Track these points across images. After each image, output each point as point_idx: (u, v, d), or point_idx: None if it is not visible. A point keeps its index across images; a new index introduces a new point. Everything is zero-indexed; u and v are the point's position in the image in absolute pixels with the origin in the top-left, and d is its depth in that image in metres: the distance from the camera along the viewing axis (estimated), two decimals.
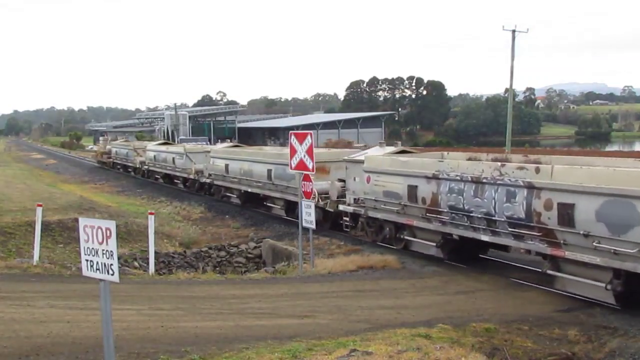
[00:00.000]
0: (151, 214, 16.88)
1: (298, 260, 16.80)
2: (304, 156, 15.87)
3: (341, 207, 20.66)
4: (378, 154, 19.76)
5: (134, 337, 9.63)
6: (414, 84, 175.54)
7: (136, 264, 18.52)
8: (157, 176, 45.89)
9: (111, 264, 6.63)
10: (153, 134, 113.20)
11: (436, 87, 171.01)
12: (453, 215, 15.24)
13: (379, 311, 11.99)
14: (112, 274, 6.66)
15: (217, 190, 33.51)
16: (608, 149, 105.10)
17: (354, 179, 20.03)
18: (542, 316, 11.63)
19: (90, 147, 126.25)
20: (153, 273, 16.40)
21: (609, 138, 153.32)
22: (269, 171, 26.03)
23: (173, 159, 40.69)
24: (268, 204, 27.96)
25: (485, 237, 14.57)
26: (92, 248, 6.74)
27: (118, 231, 7.25)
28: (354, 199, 19.98)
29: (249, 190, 28.52)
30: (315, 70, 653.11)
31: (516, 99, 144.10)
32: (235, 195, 30.92)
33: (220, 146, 36.49)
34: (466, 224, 14.96)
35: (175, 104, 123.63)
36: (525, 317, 11.47)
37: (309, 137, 15.95)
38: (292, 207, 24.52)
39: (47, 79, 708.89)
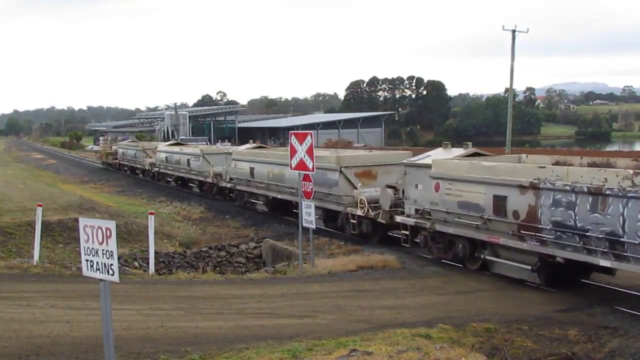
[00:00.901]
0: (151, 214, 16.88)
1: (298, 260, 16.81)
2: (304, 156, 15.87)
3: (399, 219, 17.75)
4: (446, 157, 17.06)
5: (134, 337, 9.63)
6: (414, 84, 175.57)
7: (136, 264, 18.51)
8: (169, 179, 43.33)
9: (111, 264, 6.63)
10: (153, 134, 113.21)
11: (436, 87, 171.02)
12: (558, 233, 12.67)
13: (379, 311, 11.99)
14: (112, 274, 6.66)
15: (239, 196, 30.41)
16: (608, 149, 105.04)
17: (416, 186, 16.97)
18: (542, 316, 11.63)
19: (90, 147, 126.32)
20: (153, 273, 16.39)
21: (609, 138, 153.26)
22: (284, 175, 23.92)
23: (188, 160, 37.70)
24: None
25: (605, 262, 11.96)
26: (92, 248, 6.74)
27: (118, 231, 7.25)
28: (416, 209, 16.98)
29: (279, 197, 25.42)
30: (315, 70, 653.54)
31: (516, 99, 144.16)
32: (261, 202, 28.25)
33: (243, 147, 32.55)
34: (577, 244, 12.37)
35: (175, 104, 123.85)
36: (525, 317, 11.47)
37: (309, 137, 15.96)
38: (332, 217, 22.25)
39: (47, 79, 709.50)
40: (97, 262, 6.73)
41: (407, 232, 17.49)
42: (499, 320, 11.17)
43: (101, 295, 6.82)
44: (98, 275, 6.77)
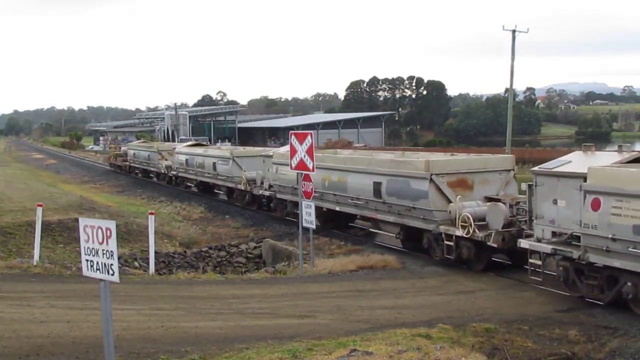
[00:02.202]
0: (151, 214, 16.89)
1: (298, 260, 16.81)
2: (304, 156, 15.88)
3: (525, 244, 13.81)
4: (600, 163, 13.09)
5: (134, 337, 9.64)
6: (414, 84, 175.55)
7: (136, 264, 18.52)
8: (189, 184, 39.05)
9: (111, 264, 6.63)
10: (153, 134, 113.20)
11: (436, 87, 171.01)
12: None
13: (379, 311, 12.00)
14: (112, 274, 6.66)
15: (280, 206, 25.91)
16: (608, 148, 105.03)
17: (554, 202, 13.37)
18: (542, 316, 11.63)
19: (90, 147, 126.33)
20: (153, 273, 16.40)
21: (609, 138, 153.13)
22: (377, 185, 18.64)
23: (214, 164, 33.27)
24: (371, 229, 21.30)
25: None
26: (93, 248, 6.74)
27: (118, 231, 7.26)
28: (552, 232, 13.41)
29: (337, 208, 21.24)
30: (315, 70, 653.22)
31: (516, 99, 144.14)
32: None
33: (286, 149, 29.43)
34: None
35: (175, 104, 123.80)
36: (525, 317, 11.47)
37: (309, 137, 15.97)
38: (415, 236, 17.80)
39: (47, 79, 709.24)
40: (97, 262, 6.74)
41: (536, 261, 13.68)
42: (499, 320, 11.17)
43: (101, 295, 6.83)
44: (98, 275, 6.77)
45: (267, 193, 27.28)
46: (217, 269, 19.79)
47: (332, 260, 17.47)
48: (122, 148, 58.94)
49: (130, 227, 23.68)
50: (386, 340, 9.34)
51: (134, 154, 52.20)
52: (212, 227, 27.71)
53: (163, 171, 43.24)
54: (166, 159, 43.24)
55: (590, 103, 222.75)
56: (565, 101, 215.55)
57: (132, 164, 52.75)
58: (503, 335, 10.27)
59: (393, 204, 17.94)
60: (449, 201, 16.32)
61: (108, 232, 6.59)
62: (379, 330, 10.26)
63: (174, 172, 40.70)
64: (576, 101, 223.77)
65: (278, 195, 25.41)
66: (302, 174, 16.44)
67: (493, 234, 14.83)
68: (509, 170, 17.52)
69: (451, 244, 15.89)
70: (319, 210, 21.47)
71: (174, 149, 42.11)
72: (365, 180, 19.20)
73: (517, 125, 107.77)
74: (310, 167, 15.85)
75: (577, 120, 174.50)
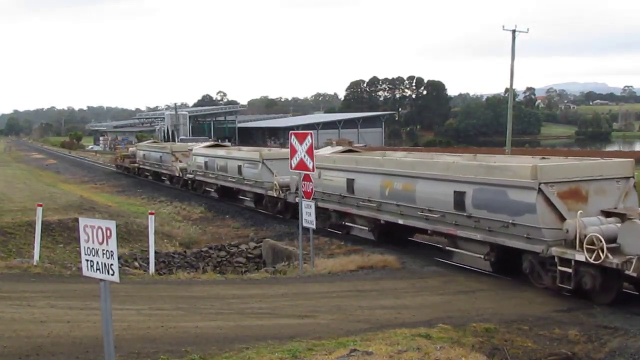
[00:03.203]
0: (151, 214, 16.90)
1: (298, 260, 16.81)
2: (304, 156, 15.89)
3: None
4: None
5: (134, 337, 9.64)
6: (414, 84, 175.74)
7: (136, 264, 18.53)
8: (208, 189, 35.94)
9: (111, 264, 6.64)
10: (153, 134, 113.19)
11: (436, 87, 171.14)
12: None
13: (379, 311, 11.99)
14: (112, 274, 6.66)
15: (322, 216, 21.30)
16: (608, 148, 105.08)
17: None
18: (542, 316, 11.63)
19: (90, 147, 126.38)
20: (153, 273, 16.40)
21: (609, 138, 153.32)
22: (460, 195, 15.23)
23: (239, 167, 30.02)
24: (447, 247, 16.72)
25: None
26: (93, 248, 6.74)
27: (118, 231, 7.26)
28: None
29: (400, 222, 17.75)
30: (315, 70, 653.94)
31: (516, 99, 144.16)
32: (364, 227, 20.12)
33: (329, 151, 24.57)
34: None
35: (175, 104, 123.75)
36: (525, 317, 11.47)
37: (309, 137, 15.98)
38: (511, 258, 14.56)
39: (47, 79, 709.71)
40: (97, 262, 6.74)
41: None
42: (499, 320, 11.17)
43: (101, 295, 6.83)
44: (98, 275, 6.78)
45: None
46: (217, 269, 19.79)
47: (332, 260, 17.46)
48: (131, 149, 56.03)
49: (130, 227, 23.68)
50: (386, 340, 9.34)
51: (144, 155, 48.82)
52: (212, 227, 27.71)
53: (177, 174, 39.96)
54: (180, 161, 40.26)
55: (590, 103, 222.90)
56: (565, 101, 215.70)
57: (141, 166, 49.60)
58: (503, 335, 10.27)
59: (482, 218, 14.66)
60: (561, 216, 13.32)
61: (108, 232, 6.59)
62: (379, 330, 10.26)
63: (191, 176, 37.35)
64: (576, 101, 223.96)
65: (320, 204, 21.01)
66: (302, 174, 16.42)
67: (634, 261, 11.65)
68: (628, 178, 14.36)
69: (568, 270, 12.75)
70: (374, 222, 19.32)
71: (190, 150, 38.46)
72: (441, 189, 15.86)
73: (517, 125, 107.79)
74: (310, 167, 15.85)
75: (577, 120, 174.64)
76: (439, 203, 15.99)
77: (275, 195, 25.97)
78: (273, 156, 28.34)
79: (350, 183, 19.91)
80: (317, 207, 20.93)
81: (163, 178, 45.10)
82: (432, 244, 18.98)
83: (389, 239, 19.30)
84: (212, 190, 35.28)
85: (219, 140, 67.59)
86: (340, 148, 24.59)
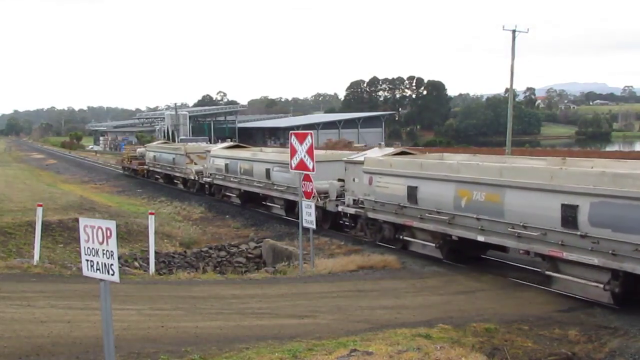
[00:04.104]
0: (151, 214, 16.89)
1: (298, 260, 16.81)
2: (304, 156, 15.89)
3: None
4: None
5: (134, 337, 9.63)
6: (414, 84, 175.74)
7: (136, 264, 18.53)
8: (228, 194, 32.60)
9: (111, 264, 6.63)
10: (153, 134, 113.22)
11: (436, 87, 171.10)
12: None
13: (379, 311, 12.00)
14: (113, 274, 6.66)
15: (372, 228, 19.53)
16: (608, 149, 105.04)
17: None
18: (542, 316, 11.63)
19: (90, 147, 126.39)
20: (153, 273, 16.41)
21: (609, 138, 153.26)
22: (571, 210, 12.54)
23: (267, 171, 26.96)
24: (547, 272, 13.55)
25: None
26: (93, 248, 6.74)
27: (118, 231, 7.26)
28: None
29: (482, 239, 14.96)
30: (315, 70, 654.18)
31: (516, 99, 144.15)
32: (431, 244, 17.15)
33: (380, 153, 20.91)
34: None
35: (175, 104, 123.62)
36: (525, 317, 11.47)
37: (309, 137, 15.97)
38: (634, 287, 11.93)
39: (47, 79, 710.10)
40: (98, 262, 6.74)
41: None
42: (499, 320, 11.17)
43: (101, 295, 6.82)
44: (98, 275, 6.77)
45: (350, 211, 20.58)
46: (217, 269, 19.80)
47: (332, 260, 17.46)
48: (139, 150, 52.90)
49: (130, 227, 23.70)
50: (386, 340, 9.34)
51: (155, 156, 45.56)
52: (212, 227, 27.73)
53: (192, 177, 37.13)
54: (196, 163, 37.54)
55: (591, 103, 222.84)
56: (565, 101, 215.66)
57: (151, 168, 46.73)
58: (503, 335, 10.27)
59: (603, 238, 11.97)
60: None
61: (108, 232, 6.59)
62: (379, 330, 10.26)
63: (208, 179, 34.34)
64: (576, 101, 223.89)
65: (370, 215, 19.07)
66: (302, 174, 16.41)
67: None
68: None
69: None
70: (442, 238, 16.48)
71: (208, 151, 35.30)
72: (542, 202, 13.14)
73: (517, 125, 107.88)
74: (311, 167, 15.85)
75: (577, 120, 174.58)
76: (539, 218, 13.21)
77: (321, 205, 22.72)
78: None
79: (412, 191, 17.08)
80: (366, 218, 19.52)
81: (176, 181, 42.13)
82: (512, 263, 16.55)
83: (458, 257, 16.61)
84: (234, 195, 31.98)
85: (219, 140, 67.15)
86: (392, 150, 21.46)
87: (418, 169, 17.15)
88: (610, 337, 10.35)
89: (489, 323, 10.87)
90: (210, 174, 34.05)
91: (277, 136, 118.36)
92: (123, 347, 8.76)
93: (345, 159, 21.99)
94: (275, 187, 26.58)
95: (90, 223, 6.79)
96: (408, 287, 14.46)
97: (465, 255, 16.61)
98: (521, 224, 13.61)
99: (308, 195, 16.31)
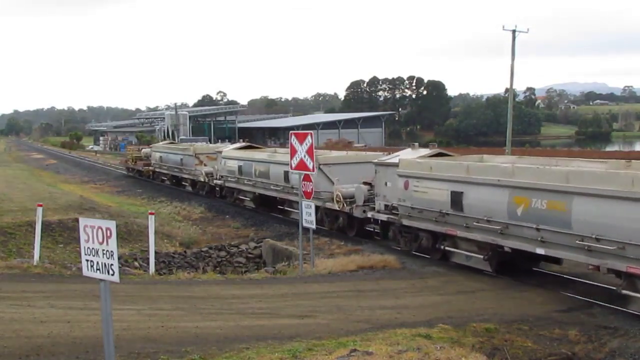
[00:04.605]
0: (151, 214, 16.89)
1: (298, 260, 16.81)
2: (304, 156, 15.88)
3: None
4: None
5: (134, 337, 9.63)
6: (414, 84, 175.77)
7: (136, 264, 18.53)
8: (242, 197, 30.81)
9: (111, 264, 6.63)
10: (153, 134, 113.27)
11: (436, 87, 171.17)
12: None
13: (379, 311, 12.00)
14: (113, 274, 6.66)
15: (407, 236, 17.84)
16: (608, 149, 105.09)
17: None
18: (542, 316, 11.64)
19: (90, 147, 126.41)
20: (153, 273, 16.40)
21: (610, 138, 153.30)
22: None
23: (285, 173, 24.56)
24: (624, 291, 11.93)
25: None
26: (93, 248, 6.74)
27: (118, 231, 7.26)
28: None
29: (542, 251, 13.52)
30: (315, 70, 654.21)
31: (516, 99, 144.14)
32: (478, 255, 15.53)
33: (416, 154, 18.80)
34: None
35: (175, 104, 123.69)
36: (525, 317, 11.48)
37: (309, 137, 15.97)
38: None
39: (47, 79, 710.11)
40: (98, 262, 6.74)
41: None
42: (499, 320, 11.18)
43: (101, 295, 6.82)
44: (98, 275, 6.77)
45: (382, 217, 18.64)
46: (217, 269, 19.80)
47: (332, 260, 17.46)
48: (144, 150, 50.92)
49: (130, 227, 23.70)
50: (386, 340, 9.35)
51: (161, 157, 43.67)
52: (212, 227, 27.73)
53: (202, 179, 35.08)
54: (206, 164, 35.78)
55: (591, 103, 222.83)
56: (565, 101, 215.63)
57: (157, 169, 44.92)
58: (503, 335, 10.28)
59: None
60: None
61: (108, 232, 6.59)
62: (379, 330, 10.27)
63: (219, 182, 32.54)
64: (576, 101, 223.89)
65: (405, 222, 17.47)
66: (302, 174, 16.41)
67: None
68: None
69: None
70: (491, 249, 14.90)
71: (219, 152, 33.45)
72: (621, 212, 11.55)
73: (517, 125, 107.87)
74: (311, 167, 15.84)
75: (577, 120, 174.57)
76: (616, 230, 11.61)
77: (338, 209, 21.15)
78: (332, 160, 23.20)
79: (456, 197, 15.48)
80: (401, 226, 17.70)
81: (184, 183, 40.49)
82: (571, 277, 15.15)
83: (507, 270, 15.14)
84: (248, 199, 30.11)
85: (219, 141, 66.72)
86: (427, 151, 19.06)
87: (464, 172, 15.46)
88: (610, 337, 10.35)
89: (489, 323, 10.88)
90: (222, 176, 32.11)
91: (277, 136, 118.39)
92: (123, 347, 8.76)
93: (375, 160, 19.91)
94: (295, 191, 23.24)
95: (90, 223, 6.79)
96: (408, 287, 14.46)
97: (516, 268, 15.26)
98: (593, 236, 11.99)
99: (308, 195, 16.30)
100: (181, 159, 39.32)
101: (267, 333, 10.10)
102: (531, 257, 14.55)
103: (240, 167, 29.70)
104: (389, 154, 20.78)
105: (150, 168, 46.30)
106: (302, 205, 16.32)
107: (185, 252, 21.31)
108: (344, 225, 21.72)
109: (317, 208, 20.37)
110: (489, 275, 15.20)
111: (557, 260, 14.69)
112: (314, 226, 16.16)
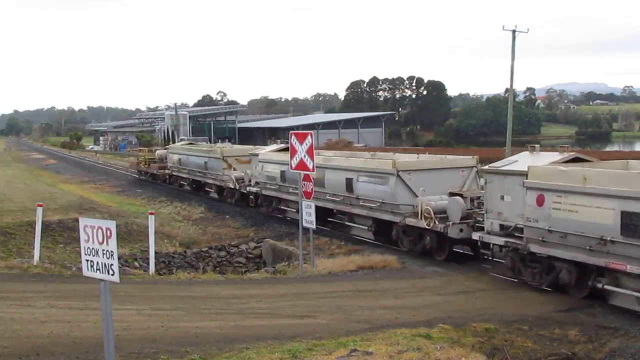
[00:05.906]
0: (151, 214, 16.90)
1: (298, 260, 16.80)
2: (304, 156, 15.88)
3: None
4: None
5: (134, 337, 9.64)
6: (414, 84, 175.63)
7: (136, 264, 18.53)
8: (284, 207, 26.10)
9: (111, 264, 6.64)
10: (153, 134, 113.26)
11: (436, 87, 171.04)
12: None
13: (379, 311, 12.00)
14: (113, 274, 6.66)
15: (537, 268, 13.74)
16: (608, 149, 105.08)
17: None
18: (542, 316, 11.64)
19: (90, 147, 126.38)
20: (153, 273, 16.41)
21: (609, 138, 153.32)
22: None
23: (348, 181, 20.46)
24: None
25: None
26: (93, 248, 6.74)
27: (118, 231, 7.26)
28: None
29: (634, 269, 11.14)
30: (315, 70, 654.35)
31: (516, 99, 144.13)
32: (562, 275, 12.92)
33: (541, 160, 14.77)
34: None
35: (175, 104, 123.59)
36: (525, 317, 11.48)
37: (309, 137, 15.97)
38: None
39: (47, 79, 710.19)
40: (98, 262, 6.74)
41: None
42: (499, 320, 11.18)
43: (101, 295, 6.83)
44: (98, 275, 6.78)
45: (497, 241, 14.65)
46: (217, 269, 19.80)
47: (332, 260, 17.47)
48: (159, 151, 46.32)
49: (130, 227, 23.71)
50: (386, 340, 9.35)
51: (180, 159, 39.12)
52: (212, 227, 27.73)
53: (232, 186, 30.70)
54: (235, 169, 31.63)
55: (590, 103, 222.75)
56: (565, 101, 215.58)
57: (175, 173, 40.41)
58: (503, 335, 10.28)
59: None
60: None
61: (108, 232, 6.59)
62: (379, 330, 10.26)
63: (254, 189, 27.96)
64: (576, 101, 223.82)
65: (536, 249, 13.38)
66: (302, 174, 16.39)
67: None
68: None
69: None
70: (560, 263, 12.84)
71: (254, 155, 29.14)
72: None
73: (517, 125, 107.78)
74: (310, 167, 15.85)
75: (577, 120, 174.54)
76: None
77: (427, 227, 16.81)
78: (414, 166, 18.79)
79: (631, 219, 11.36)
80: (529, 253, 13.55)
81: (208, 189, 36.21)
82: None
83: (575, 291, 12.97)
84: (294, 210, 23.73)
85: (219, 141, 64.16)
86: (557, 155, 15.02)
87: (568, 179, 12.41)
88: (610, 337, 10.35)
89: (489, 323, 10.88)
90: (258, 183, 27.65)
91: (277, 136, 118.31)
92: (123, 347, 8.76)
93: (487, 167, 15.74)
94: (360, 203, 19.83)
95: (90, 223, 6.79)
96: (408, 287, 14.46)
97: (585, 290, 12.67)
98: None
99: (308, 195, 16.30)
100: (205, 162, 34.75)
101: (267, 333, 10.10)
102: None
103: (283, 173, 24.76)
104: (394, 154, 18.47)
105: (167, 171, 41.89)
106: (302, 205, 16.32)
107: (185, 252, 21.31)
108: (432, 246, 17.30)
109: (391, 224, 18.48)
110: (489, 275, 15.20)
111: None
112: (314, 226, 16.16)
